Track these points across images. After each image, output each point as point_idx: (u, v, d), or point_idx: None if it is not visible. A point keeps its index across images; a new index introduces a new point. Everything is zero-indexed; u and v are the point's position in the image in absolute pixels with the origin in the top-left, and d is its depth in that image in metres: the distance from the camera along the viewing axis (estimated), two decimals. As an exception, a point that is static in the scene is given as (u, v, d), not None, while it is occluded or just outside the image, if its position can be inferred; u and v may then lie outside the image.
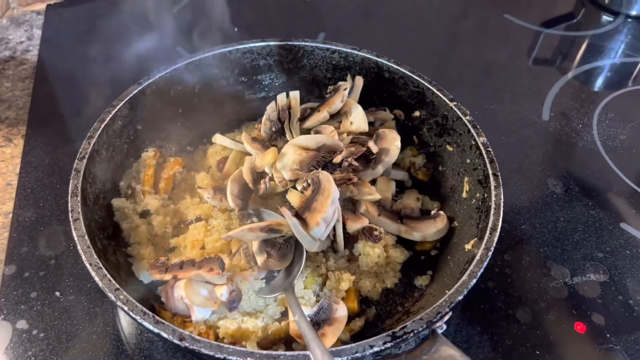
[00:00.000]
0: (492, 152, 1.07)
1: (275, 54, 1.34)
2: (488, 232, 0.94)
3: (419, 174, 1.25)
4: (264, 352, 0.76)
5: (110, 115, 1.10)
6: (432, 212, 1.14)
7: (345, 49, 1.30)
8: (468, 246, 0.99)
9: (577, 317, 1.06)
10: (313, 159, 1.06)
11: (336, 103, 1.19)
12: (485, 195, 1.03)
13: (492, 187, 1.01)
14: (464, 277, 0.88)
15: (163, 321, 0.80)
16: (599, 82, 1.70)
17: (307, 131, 1.20)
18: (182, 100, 1.28)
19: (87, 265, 0.86)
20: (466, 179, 1.13)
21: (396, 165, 1.23)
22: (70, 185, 0.97)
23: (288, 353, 0.77)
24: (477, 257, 0.91)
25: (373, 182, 1.15)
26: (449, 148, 1.20)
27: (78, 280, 1.07)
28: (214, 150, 1.25)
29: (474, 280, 0.87)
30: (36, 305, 1.03)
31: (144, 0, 1.87)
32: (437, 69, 1.67)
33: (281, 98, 1.22)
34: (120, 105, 1.13)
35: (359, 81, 1.28)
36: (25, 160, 1.31)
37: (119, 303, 0.81)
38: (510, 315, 1.06)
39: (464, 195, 1.12)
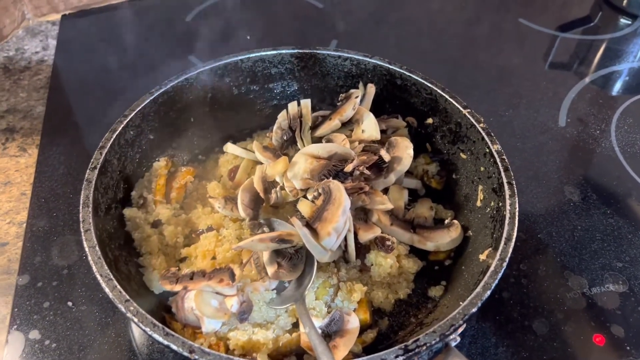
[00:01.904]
0: (506, 160, 1.05)
1: (287, 62, 1.33)
2: (503, 242, 0.92)
3: (432, 182, 1.23)
4: (274, 365, 0.76)
5: (122, 125, 1.10)
6: (446, 221, 1.13)
7: (357, 57, 1.29)
8: (482, 256, 0.97)
9: (595, 328, 1.04)
10: (324, 168, 1.05)
11: (348, 111, 1.18)
12: (500, 204, 1.01)
13: (507, 196, 0.99)
14: (478, 289, 0.86)
15: (173, 333, 0.79)
16: (617, 87, 1.67)
17: (318, 139, 1.19)
18: (194, 109, 1.28)
19: (98, 276, 0.86)
20: (480, 187, 1.11)
21: (409, 173, 1.22)
22: (81, 196, 0.97)
23: (298, 366, 0.76)
24: (492, 268, 0.89)
25: (385, 190, 1.14)
26: (463, 156, 1.18)
27: (90, 291, 1.07)
28: (225, 159, 1.24)
29: (489, 292, 0.85)
30: (49, 315, 1.04)
31: (157, 9, 1.90)
32: (451, 75, 1.64)
33: (292, 106, 1.21)
34: (132, 115, 1.13)
35: (371, 89, 1.27)
36: (39, 170, 1.32)
37: (129, 314, 0.81)
38: (526, 327, 1.04)
39: (478, 203, 1.10)
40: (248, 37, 1.77)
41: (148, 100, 1.16)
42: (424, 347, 0.79)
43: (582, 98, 1.60)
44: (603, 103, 1.58)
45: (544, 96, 1.61)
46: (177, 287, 0.93)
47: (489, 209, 1.06)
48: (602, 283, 1.11)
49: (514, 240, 0.92)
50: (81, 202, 0.96)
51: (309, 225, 0.95)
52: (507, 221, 0.95)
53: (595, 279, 1.12)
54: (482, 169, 1.11)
